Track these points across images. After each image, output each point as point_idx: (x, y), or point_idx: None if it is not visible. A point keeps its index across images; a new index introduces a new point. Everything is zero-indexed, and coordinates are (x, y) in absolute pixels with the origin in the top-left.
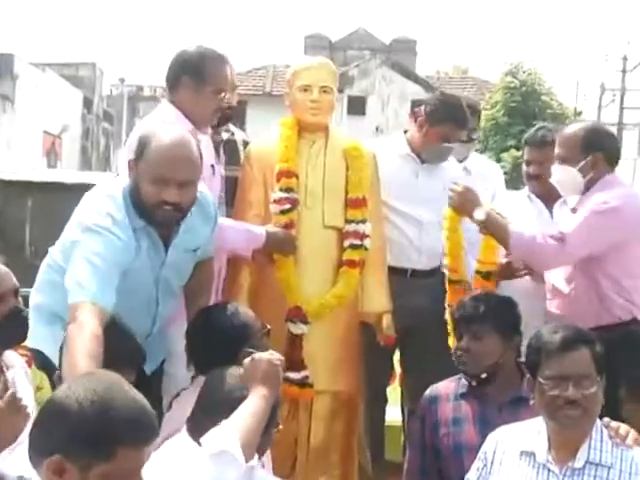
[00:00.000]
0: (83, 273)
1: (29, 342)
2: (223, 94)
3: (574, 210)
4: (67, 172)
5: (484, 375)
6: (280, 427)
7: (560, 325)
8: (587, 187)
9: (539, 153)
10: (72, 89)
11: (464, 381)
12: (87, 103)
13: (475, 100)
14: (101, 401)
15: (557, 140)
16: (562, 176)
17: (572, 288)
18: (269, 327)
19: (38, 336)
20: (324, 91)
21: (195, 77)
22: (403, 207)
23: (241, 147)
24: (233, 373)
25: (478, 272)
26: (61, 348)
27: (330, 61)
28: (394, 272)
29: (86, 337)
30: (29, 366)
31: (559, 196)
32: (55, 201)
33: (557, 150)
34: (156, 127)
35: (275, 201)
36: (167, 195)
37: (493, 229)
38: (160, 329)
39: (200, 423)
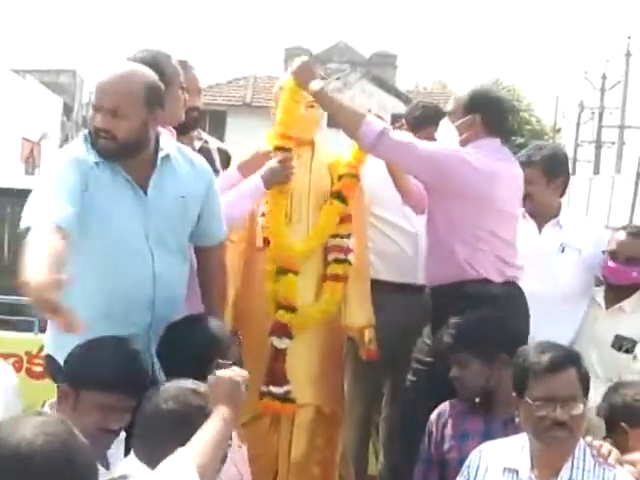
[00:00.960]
0: (34, 202)
1: (47, 348)
2: (182, 89)
3: None
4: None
5: (477, 399)
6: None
7: (547, 344)
8: (462, 146)
9: (525, 172)
10: (52, 96)
11: None
12: (67, 110)
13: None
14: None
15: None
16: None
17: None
18: (240, 338)
19: (52, 342)
20: (310, 106)
21: (160, 79)
22: (399, 221)
23: (216, 154)
24: (171, 386)
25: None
26: None
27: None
28: (391, 287)
29: (44, 241)
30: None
31: (550, 216)
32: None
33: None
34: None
35: (264, 214)
36: (96, 122)
37: (328, 103)
38: (167, 304)
39: (145, 443)
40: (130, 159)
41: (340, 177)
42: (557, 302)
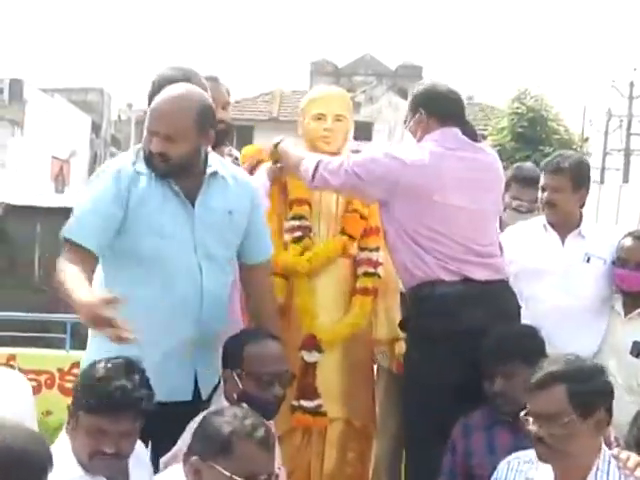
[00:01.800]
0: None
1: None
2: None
3: None
4: (75, 197)
5: (523, 413)
6: None
7: (553, 358)
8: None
9: (553, 179)
10: (80, 114)
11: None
12: (95, 128)
13: None
14: None
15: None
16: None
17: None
18: (293, 374)
19: (90, 351)
20: (338, 120)
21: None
22: None
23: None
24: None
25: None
26: None
27: (344, 90)
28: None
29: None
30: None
31: (574, 226)
32: (63, 226)
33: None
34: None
35: (287, 230)
36: (153, 146)
37: (284, 157)
38: (213, 317)
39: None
40: (180, 175)
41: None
42: (583, 313)
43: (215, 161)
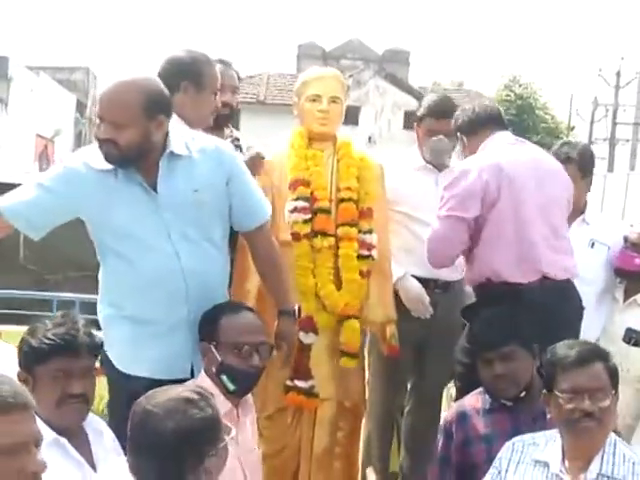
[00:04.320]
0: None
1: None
2: (215, 95)
3: None
4: None
5: (523, 394)
6: None
7: (575, 341)
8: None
9: (565, 169)
10: (66, 93)
11: (487, 395)
12: (80, 107)
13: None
14: None
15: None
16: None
17: None
18: (272, 346)
19: (107, 338)
20: (333, 101)
21: (194, 81)
22: (426, 217)
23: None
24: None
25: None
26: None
27: (339, 72)
28: (419, 282)
29: None
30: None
31: (579, 213)
32: None
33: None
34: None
35: (297, 209)
36: (100, 133)
37: None
38: (204, 296)
39: (136, 462)
40: (139, 163)
41: (341, 200)
42: (588, 296)
43: (175, 141)
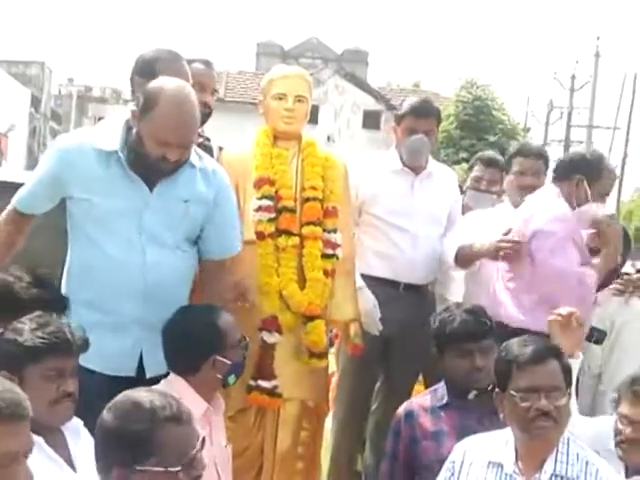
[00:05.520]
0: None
1: None
2: None
3: None
4: (12, 171)
5: (490, 387)
6: None
7: (529, 338)
8: None
9: (537, 164)
10: (20, 87)
11: (441, 393)
12: (35, 102)
13: None
14: None
15: None
16: None
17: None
18: (248, 340)
19: None
20: (299, 100)
21: (149, 78)
22: (399, 221)
23: (216, 152)
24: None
25: None
26: None
27: (305, 71)
28: (386, 284)
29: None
30: None
31: None
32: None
33: None
34: (161, 84)
35: (262, 208)
36: (170, 155)
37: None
38: (162, 299)
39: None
40: None
41: (306, 199)
42: None
43: (193, 153)
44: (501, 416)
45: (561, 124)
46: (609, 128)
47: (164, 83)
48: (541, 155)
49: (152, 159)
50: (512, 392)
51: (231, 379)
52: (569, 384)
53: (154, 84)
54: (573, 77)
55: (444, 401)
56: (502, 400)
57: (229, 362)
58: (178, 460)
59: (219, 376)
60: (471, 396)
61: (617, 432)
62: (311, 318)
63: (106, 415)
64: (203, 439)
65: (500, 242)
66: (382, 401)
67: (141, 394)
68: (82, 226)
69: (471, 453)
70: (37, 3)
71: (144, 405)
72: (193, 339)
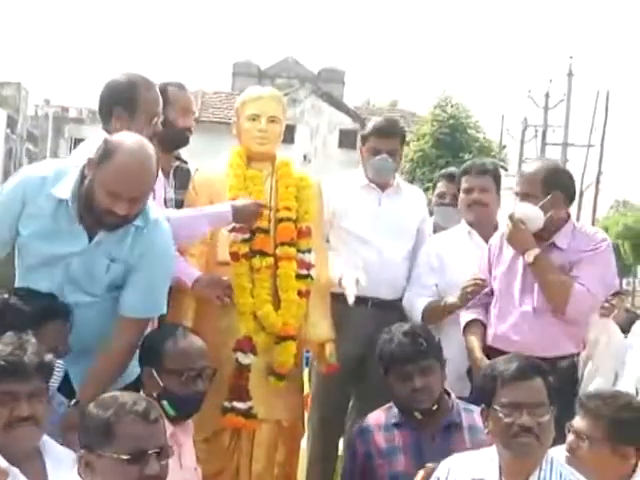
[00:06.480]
0: None
1: None
2: (156, 119)
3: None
4: None
5: (435, 407)
6: None
7: (514, 355)
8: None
9: (482, 180)
10: None
11: (395, 411)
12: (11, 123)
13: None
14: None
15: (518, 178)
16: (525, 213)
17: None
18: (215, 369)
19: None
20: (272, 121)
21: (127, 107)
22: (365, 235)
23: (193, 175)
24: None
25: None
26: None
27: (278, 92)
28: (355, 301)
29: None
30: None
31: (496, 225)
32: None
33: (519, 187)
34: (122, 138)
35: (236, 229)
36: (118, 208)
37: (543, 271)
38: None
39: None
40: None
41: (280, 220)
42: None
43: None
44: (485, 431)
45: (536, 142)
46: (584, 146)
47: (126, 137)
48: (486, 171)
49: (100, 210)
50: (496, 407)
51: (165, 405)
52: (553, 402)
53: (116, 136)
54: (547, 95)
55: (398, 418)
56: (487, 416)
57: (160, 383)
58: (130, 451)
59: (153, 394)
60: (418, 416)
61: (567, 443)
62: (284, 338)
63: (90, 405)
64: (167, 448)
65: (464, 289)
66: (356, 419)
67: (123, 393)
68: (24, 258)
69: (455, 471)
70: (13, 24)
71: (117, 399)
72: (141, 346)
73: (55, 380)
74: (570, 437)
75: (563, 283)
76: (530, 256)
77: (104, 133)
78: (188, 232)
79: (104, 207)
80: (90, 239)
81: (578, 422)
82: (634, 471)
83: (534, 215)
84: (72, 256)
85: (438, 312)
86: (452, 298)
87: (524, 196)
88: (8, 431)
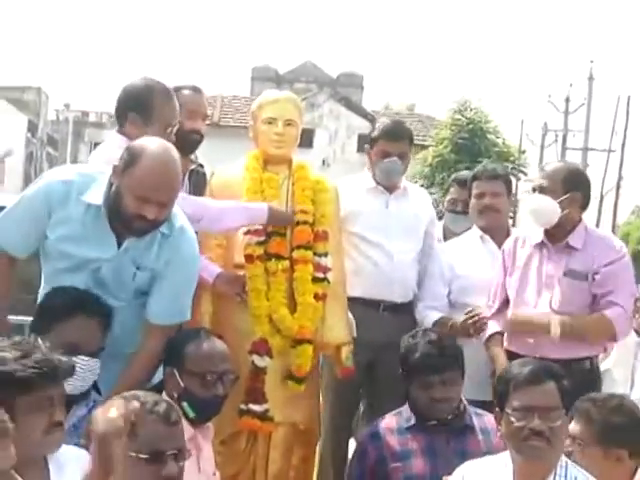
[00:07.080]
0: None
1: None
2: (171, 129)
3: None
4: (9, 196)
5: (451, 416)
6: None
7: (530, 360)
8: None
9: (493, 185)
10: (17, 113)
11: (407, 415)
12: (32, 127)
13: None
14: None
15: (538, 172)
16: (541, 204)
17: None
18: (237, 376)
19: None
20: (288, 124)
21: (142, 113)
22: (375, 238)
23: (209, 179)
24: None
25: None
26: None
27: (295, 95)
28: (366, 304)
29: None
30: None
31: (508, 230)
32: None
33: (538, 181)
34: (145, 143)
35: (251, 232)
36: (148, 212)
37: (577, 329)
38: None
39: None
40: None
41: (296, 223)
42: None
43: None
44: (498, 434)
45: (556, 147)
46: (604, 150)
47: (148, 141)
48: (497, 176)
49: (129, 215)
50: (508, 411)
51: (185, 406)
52: (566, 406)
53: (138, 142)
54: (567, 100)
55: (411, 422)
56: (500, 420)
57: (181, 384)
58: (149, 451)
59: (174, 394)
60: (433, 422)
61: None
62: (300, 342)
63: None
64: (185, 450)
65: (463, 323)
66: (366, 423)
67: (146, 393)
68: (52, 262)
69: (469, 477)
70: (33, 29)
71: (140, 398)
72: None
73: (90, 378)
74: (566, 441)
75: (599, 321)
76: (556, 328)
77: (119, 136)
78: (229, 222)
79: (133, 212)
80: (119, 246)
81: (572, 426)
82: (634, 474)
83: (551, 208)
84: (101, 261)
85: (445, 330)
86: (460, 319)
87: (542, 189)
88: (45, 436)
